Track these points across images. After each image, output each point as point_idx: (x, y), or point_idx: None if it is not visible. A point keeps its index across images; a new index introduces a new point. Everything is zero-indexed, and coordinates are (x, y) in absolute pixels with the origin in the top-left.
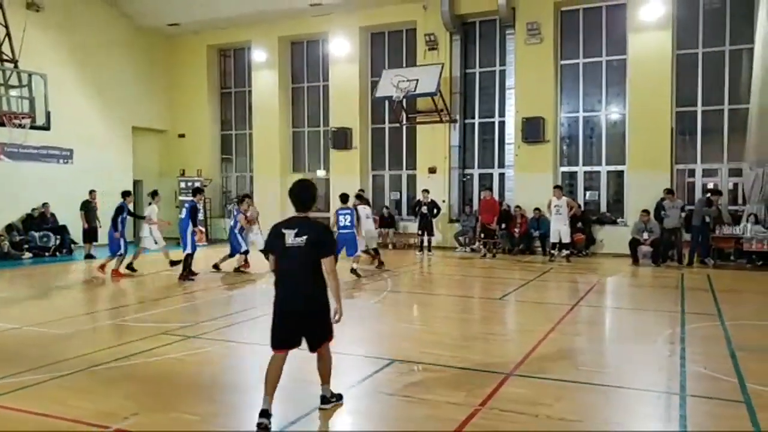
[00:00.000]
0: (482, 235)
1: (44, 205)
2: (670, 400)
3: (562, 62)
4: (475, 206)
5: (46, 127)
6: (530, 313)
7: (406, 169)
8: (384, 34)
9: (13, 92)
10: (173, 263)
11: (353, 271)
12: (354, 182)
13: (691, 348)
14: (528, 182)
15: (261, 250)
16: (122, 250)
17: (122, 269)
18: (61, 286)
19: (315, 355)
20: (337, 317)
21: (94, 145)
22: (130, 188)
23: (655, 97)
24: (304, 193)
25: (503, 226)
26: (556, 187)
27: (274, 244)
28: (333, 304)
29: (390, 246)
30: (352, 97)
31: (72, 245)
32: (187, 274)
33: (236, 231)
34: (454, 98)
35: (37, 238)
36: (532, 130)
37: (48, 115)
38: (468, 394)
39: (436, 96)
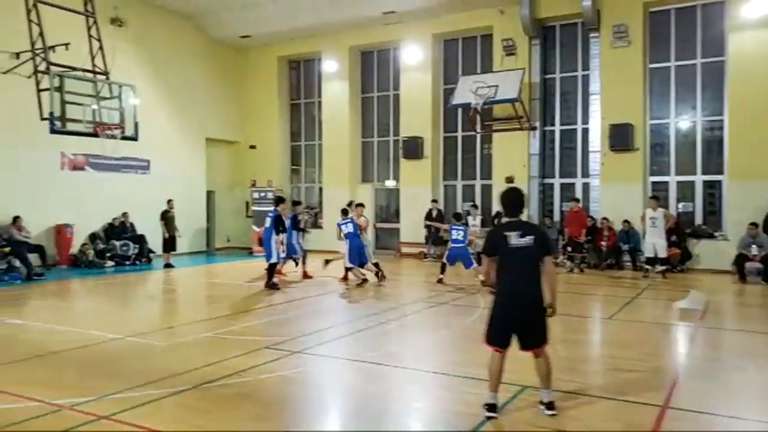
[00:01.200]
0: (569, 249)
1: (124, 214)
2: None
3: (651, 66)
4: (557, 217)
5: (135, 138)
6: (651, 335)
7: (481, 178)
8: (457, 40)
9: (103, 104)
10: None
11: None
12: (425, 192)
13: None
14: (615, 193)
15: (480, 253)
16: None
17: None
18: (148, 295)
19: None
20: (549, 311)
21: (170, 156)
22: (203, 198)
23: (761, 101)
24: (519, 199)
25: (589, 239)
26: (652, 197)
27: (496, 246)
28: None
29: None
30: (424, 105)
31: (150, 254)
32: (272, 283)
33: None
34: (533, 105)
35: (118, 246)
36: (620, 138)
37: (136, 125)
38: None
39: (517, 102)
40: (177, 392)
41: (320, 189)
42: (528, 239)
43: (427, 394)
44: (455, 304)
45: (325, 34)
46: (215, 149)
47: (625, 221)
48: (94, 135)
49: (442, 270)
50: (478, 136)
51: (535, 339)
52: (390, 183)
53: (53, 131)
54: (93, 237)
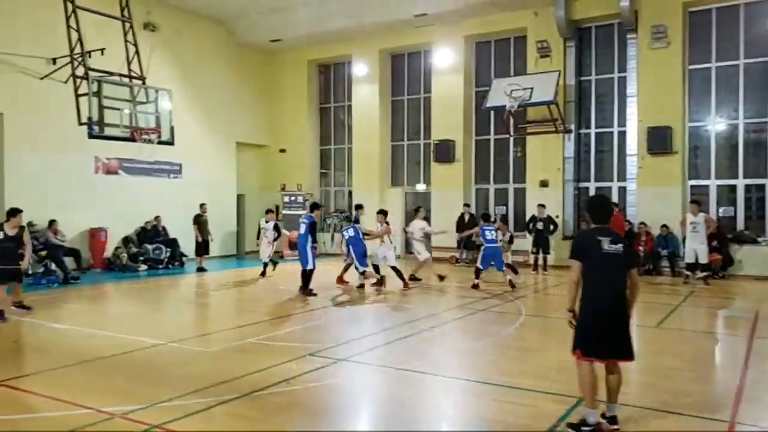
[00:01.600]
0: None
1: (156, 218)
2: None
3: (691, 67)
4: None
5: (171, 142)
6: (702, 344)
7: (514, 182)
8: (489, 42)
9: (139, 108)
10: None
11: (511, 283)
12: (457, 196)
13: None
14: (653, 197)
15: (572, 257)
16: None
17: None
18: (184, 299)
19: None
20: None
21: (201, 160)
22: (234, 201)
23: None
24: (608, 207)
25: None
26: (692, 202)
27: (588, 251)
28: None
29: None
30: (456, 108)
31: (182, 258)
32: (308, 289)
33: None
34: (568, 107)
35: (150, 250)
36: (658, 141)
37: (172, 130)
38: None
39: (553, 105)
40: (226, 401)
41: (350, 193)
42: (619, 247)
43: (482, 406)
44: (494, 311)
45: (355, 38)
46: (245, 153)
47: (664, 226)
48: (132, 139)
49: (477, 275)
50: (511, 139)
51: (625, 349)
52: (420, 187)
53: (91, 136)
54: (126, 241)
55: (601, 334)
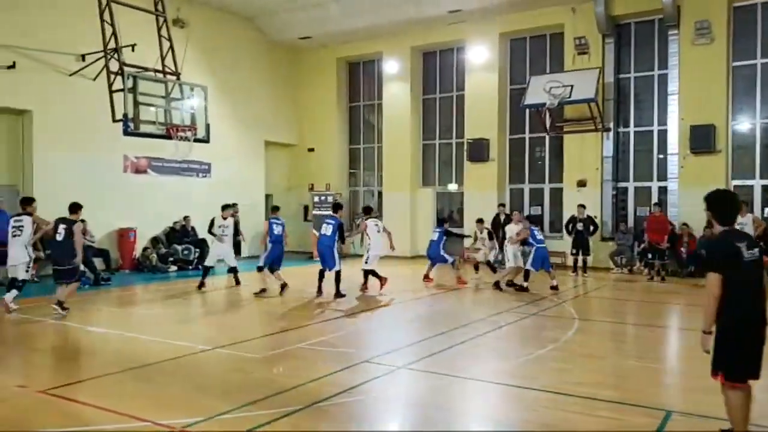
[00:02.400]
0: (648, 256)
1: (185, 218)
2: None
3: (735, 64)
4: (631, 223)
5: (206, 140)
6: None
7: (549, 182)
8: (524, 39)
9: (174, 104)
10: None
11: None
12: (491, 196)
13: None
14: (695, 197)
15: (711, 269)
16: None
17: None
18: (220, 302)
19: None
20: None
21: (230, 159)
22: (262, 201)
23: None
24: (737, 203)
25: (668, 246)
26: (740, 201)
27: (729, 260)
28: None
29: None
30: (490, 106)
31: None
32: (338, 291)
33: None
34: (606, 105)
35: (180, 251)
36: (701, 139)
37: (207, 127)
38: None
39: (593, 102)
40: (290, 413)
41: (379, 192)
42: (755, 251)
43: (560, 417)
44: (545, 314)
45: (386, 35)
46: (273, 152)
47: (707, 227)
48: (167, 137)
49: (526, 278)
50: (547, 138)
51: (760, 366)
52: (452, 186)
53: (126, 133)
54: (155, 241)
55: (749, 355)
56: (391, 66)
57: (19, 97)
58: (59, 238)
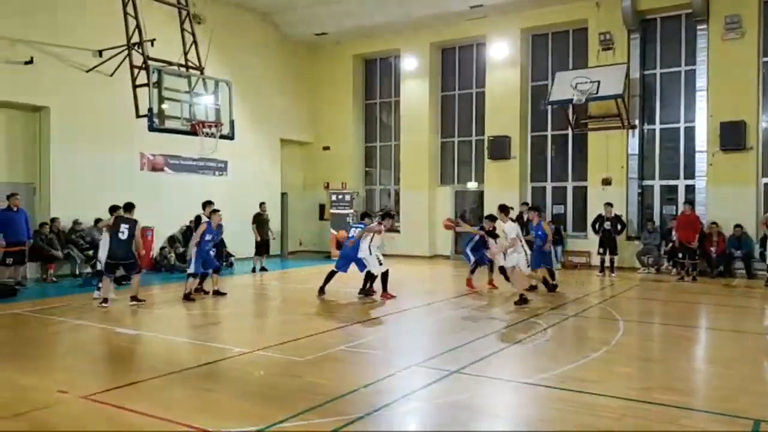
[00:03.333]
0: (679, 256)
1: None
2: None
3: (765, 59)
4: (657, 221)
5: (231, 137)
6: None
7: (572, 180)
8: (546, 35)
9: (197, 100)
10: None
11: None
12: (512, 195)
13: None
14: (724, 195)
15: None
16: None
17: None
18: (248, 302)
19: None
20: None
21: (247, 157)
22: (278, 200)
23: None
24: None
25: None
26: None
27: None
28: None
29: (558, 265)
30: (512, 103)
31: (229, 257)
32: (368, 289)
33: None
34: (632, 102)
35: None
36: (731, 136)
37: (232, 123)
38: None
39: (621, 98)
40: (352, 420)
41: (396, 191)
42: None
43: (651, 429)
44: (585, 315)
45: (404, 31)
46: (288, 150)
47: (737, 226)
48: (193, 133)
49: (552, 276)
50: (570, 135)
51: None
52: (471, 185)
53: (152, 129)
54: (172, 240)
55: None
56: (409, 62)
57: (37, 94)
58: (123, 237)
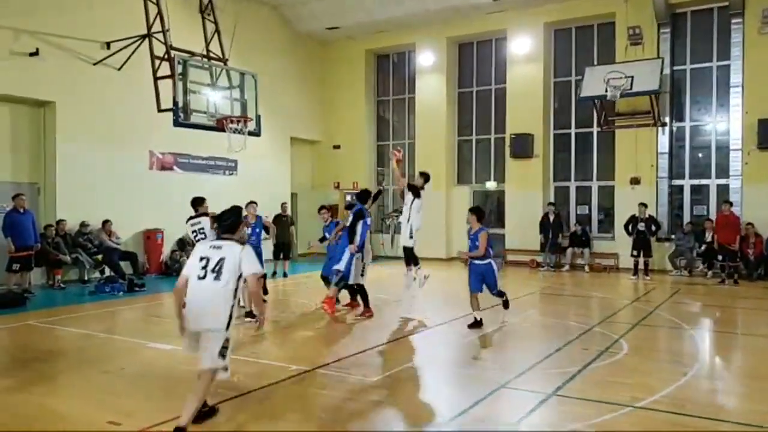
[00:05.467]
0: (719, 258)
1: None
2: None
3: None
4: (686, 221)
5: (257, 133)
6: None
7: (597, 179)
8: (569, 30)
9: (222, 94)
10: None
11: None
12: (535, 195)
13: None
14: (761, 195)
15: None
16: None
17: None
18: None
19: None
20: None
21: (257, 156)
22: (289, 200)
23: None
24: None
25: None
26: None
27: None
28: None
29: (586, 268)
30: (534, 100)
31: None
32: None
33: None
34: (662, 98)
35: None
36: None
37: (258, 119)
38: None
39: (657, 94)
40: None
41: None
42: None
43: None
44: (649, 324)
45: (419, 25)
46: (297, 149)
47: None
48: (220, 129)
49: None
50: (595, 133)
51: None
52: (490, 184)
53: (177, 123)
54: (182, 243)
55: None
56: (425, 58)
57: (42, 88)
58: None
